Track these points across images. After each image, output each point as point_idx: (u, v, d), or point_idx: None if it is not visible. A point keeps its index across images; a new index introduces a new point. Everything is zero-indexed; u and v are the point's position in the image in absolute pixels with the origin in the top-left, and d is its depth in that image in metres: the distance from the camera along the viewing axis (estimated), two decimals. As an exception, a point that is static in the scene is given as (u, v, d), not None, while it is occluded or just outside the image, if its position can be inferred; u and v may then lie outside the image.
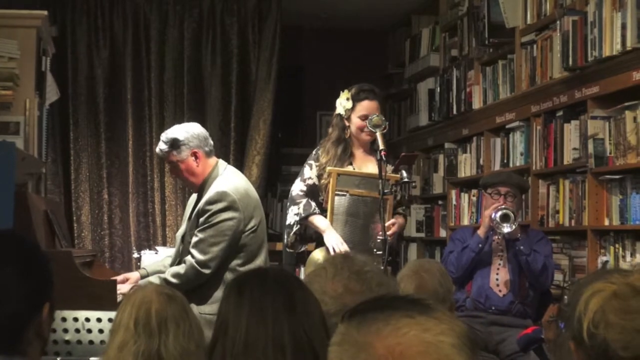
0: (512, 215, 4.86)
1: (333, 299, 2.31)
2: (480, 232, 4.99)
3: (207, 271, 4.30)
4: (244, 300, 2.06)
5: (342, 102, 4.85)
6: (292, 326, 2.02)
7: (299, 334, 2.02)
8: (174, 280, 4.30)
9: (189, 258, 4.34)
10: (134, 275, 4.60)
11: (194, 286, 4.33)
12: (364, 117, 4.76)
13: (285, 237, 4.88)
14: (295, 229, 4.79)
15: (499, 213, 4.87)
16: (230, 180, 4.44)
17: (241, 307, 2.05)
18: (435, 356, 1.22)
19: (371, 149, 4.85)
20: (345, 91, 4.88)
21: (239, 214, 4.35)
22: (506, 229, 4.86)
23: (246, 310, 2.04)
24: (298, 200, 4.80)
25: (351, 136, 4.85)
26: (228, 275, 4.34)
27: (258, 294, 2.07)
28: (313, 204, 4.77)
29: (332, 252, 4.58)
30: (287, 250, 4.89)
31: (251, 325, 2.02)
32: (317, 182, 4.83)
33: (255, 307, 2.04)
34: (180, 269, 4.35)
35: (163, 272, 4.46)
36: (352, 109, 4.82)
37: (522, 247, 4.89)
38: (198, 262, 4.30)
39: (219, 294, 4.28)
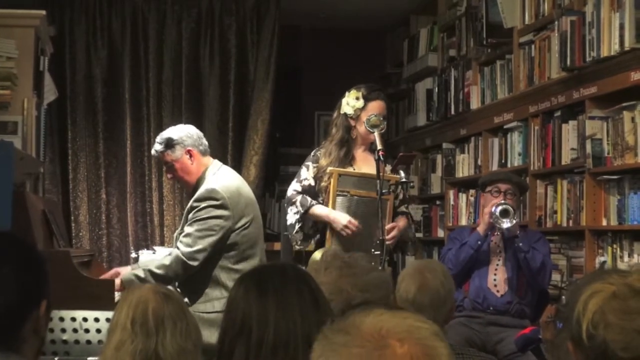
0: (511, 210, 4.87)
1: (328, 285, 2.35)
2: (480, 229, 4.99)
3: (194, 263, 4.30)
4: (269, 298, 2.03)
5: (351, 102, 4.82)
6: (318, 320, 2.02)
7: (322, 318, 2.02)
8: (158, 271, 4.30)
9: (175, 250, 4.36)
10: (125, 269, 4.60)
11: (182, 280, 4.36)
12: None
13: (290, 237, 4.90)
14: (297, 226, 4.81)
15: (499, 208, 4.87)
16: (221, 179, 4.46)
17: (266, 306, 2.02)
18: (417, 336, 1.27)
19: (371, 149, 4.84)
20: (354, 91, 4.85)
21: (227, 212, 4.35)
22: (506, 224, 4.85)
23: (273, 308, 2.02)
24: (294, 200, 4.83)
25: (357, 136, 4.85)
26: (221, 274, 4.35)
27: (283, 290, 2.06)
28: (309, 198, 4.79)
29: (345, 233, 4.65)
30: (297, 248, 4.91)
31: (280, 324, 1.99)
32: (312, 183, 4.84)
33: (283, 304, 2.02)
34: (166, 260, 4.35)
35: None
36: (364, 108, 4.80)
37: (520, 244, 4.89)
38: (184, 253, 4.30)
39: (212, 292, 4.32)
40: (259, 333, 1.99)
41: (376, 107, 4.80)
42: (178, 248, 4.35)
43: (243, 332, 2.01)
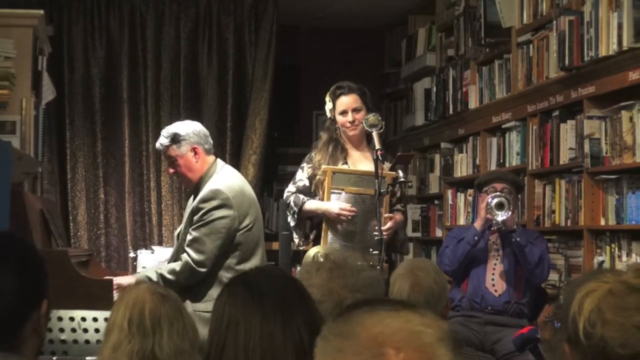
0: (507, 203, 4.87)
1: (319, 287, 2.35)
2: (477, 224, 5.00)
3: (203, 270, 4.32)
4: (256, 298, 2.06)
5: (327, 105, 4.96)
6: (305, 312, 2.05)
7: (310, 318, 2.05)
8: (169, 276, 4.32)
9: (184, 256, 4.35)
10: (121, 279, 4.60)
11: (189, 284, 4.35)
12: (344, 113, 4.86)
13: (295, 239, 4.98)
14: (298, 228, 4.87)
15: (495, 200, 4.88)
16: (225, 179, 4.46)
17: (253, 305, 2.05)
18: (416, 343, 1.25)
19: (368, 147, 4.87)
20: (327, 94, 4.98)
21: (232, 211, 4.36)
22: (501, 216, 4.86)
23: (259, 307, 2.04)
24: (288, 201, 4.91)
25: (341, 134, 4.93)
26: (223, 274, 4.34)
27: (268, 289, 2.08)
28: (301, 195, 4.83)
29: (343, 217, 4.67)
30: (300, 248, 4.98)
31: (267, 320, 2.02)
32: (307, 184, 4.88)
33: (270, 302, 2.05)
34: (177, 265, 4.36)
35: None
36: (333, 108, 4.91)
37: (518, 239, 4.90)
38: (194, 261, 4.31)
39: (213, 291, 4.30)
40: (247, 331, 2.02)
41: (343, 103, 4.89)
42: (188, 254, 4.34)
43: (231, 332, 2.04)
